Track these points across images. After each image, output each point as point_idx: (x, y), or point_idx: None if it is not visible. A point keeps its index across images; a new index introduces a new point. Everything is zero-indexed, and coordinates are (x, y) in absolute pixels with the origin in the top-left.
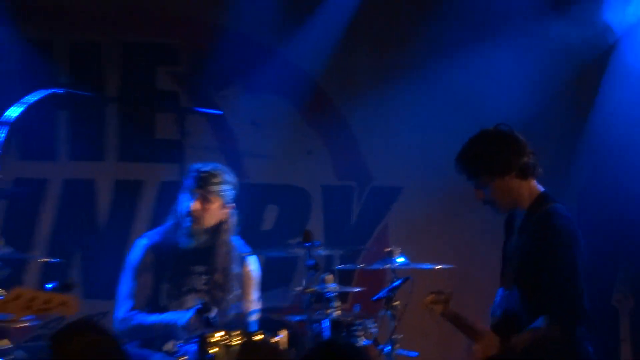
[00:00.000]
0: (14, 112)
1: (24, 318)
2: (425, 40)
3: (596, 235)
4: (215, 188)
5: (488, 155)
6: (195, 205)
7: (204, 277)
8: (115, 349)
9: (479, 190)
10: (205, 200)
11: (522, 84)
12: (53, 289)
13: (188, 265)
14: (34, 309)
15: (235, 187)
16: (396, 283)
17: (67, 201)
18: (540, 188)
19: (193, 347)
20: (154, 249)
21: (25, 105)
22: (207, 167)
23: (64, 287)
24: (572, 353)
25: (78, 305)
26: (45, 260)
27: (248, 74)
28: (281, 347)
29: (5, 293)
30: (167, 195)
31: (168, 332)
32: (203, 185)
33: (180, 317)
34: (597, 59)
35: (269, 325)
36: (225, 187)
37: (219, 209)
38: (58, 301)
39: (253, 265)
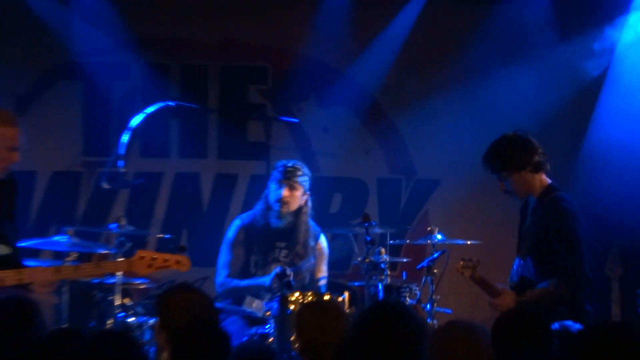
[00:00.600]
0: (136, 120)
1: (148, 274)
2: (461, 62)
3: (594, 218)
4: (299, 179)
5: (507, 155)
6: (284, 192)
7: (285, 250)
8: (206, 303)
9: (501, 182)
10: (291, 188)
11: (536, 96)
12: (169, 250)
13: (273, 241)
14: (155, 266)
15: (311, 178)
16: (435, 255)
17: (178, 190)
18: (548, 180)
19: (275, 305)
20: (246, 228)
21: (145, 115)
22: (291, 163)
23: (178, 249)
24: (575, 311)
25: (190, 263)
26: (159, 236)
27: (320, 90)
28: (345, 306)
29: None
30: (256, 185)
31: (256, 292)
32: (290, 176)
33: (265, 279)
34: (595, 76)
35: (334, 288)
36: (305, 178)
37: (300, 196)
38: (174, 260)
39: (323, 241)
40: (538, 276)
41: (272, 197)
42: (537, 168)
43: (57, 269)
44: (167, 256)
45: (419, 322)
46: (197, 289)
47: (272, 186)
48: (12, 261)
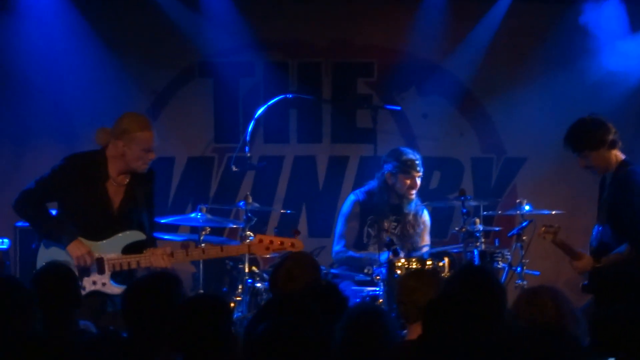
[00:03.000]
0: (259, 111)
1: (265, 256)
2: (543, 54)
3: None
4: (420, 169)
5: (586, 136)
6: (417, 183)
7: (394, 223)
8: (313, 264)
9: (581, 160)
10: (418, 178)
11: (610, 83)
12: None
13: (385, 214)
14: (272, 249)
15: None
16: (523, 224)
17: (296, 171)
18: (623, 156)
19: (384, 270)
20: (360, 203)
21: (267, 106)
22: (415, 155)
23: (293, 233)
24: None
25: (302, 245)
26: (281, 211)
27: (419, 82)
28: (445, 270)
29: (253, 235)
30: (365, 165)
31: (369, 263)
32: (416, 167)
33: (380, 255)
34: None
35: (436, 254)
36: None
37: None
38: (289, 243)
39: (426, 214)
40: (615, 241)
41: (402, 186)
42: (612, 145)
43: (172, 254)
44: (283, 239)
45: (499, 284)
46: (300, 254)
47: (401, 176)
48: (146, 246)
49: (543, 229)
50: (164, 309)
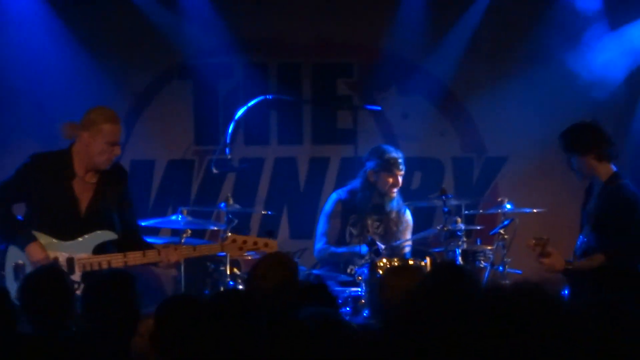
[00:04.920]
0: (239, 112)
1: (239, 256)
2: (525, 51)
3: None
4: (403, 167)
5: (575, 139)
6: (399, 181)
7: (377, 222)
8: (283, 264)
9: (569, 160)
10: (400, 176)
11: (591, 80)
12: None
13: (368, 213)
14: (245, 249)
15: None
16: (505, 222)
17: (277, 173)
18: (614, 168)
19: (366, 270)
20: (342, 202)
21: (247, 107)
22: (397, 154)
23: (267, 233)
24: (633, 277)
25: (276, 246)
26: (263, 212)
27: (399, 81)
28: (427, 269)
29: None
30: (346, 166)
31: (350, 259)
32: (398, 166)
33: (362, 247)
34: None
35: (417, 254)
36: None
37: None
38: (262, 243)
39: (408, 214)
40: (598, 251)
41: (384, 184)
42: (601, 157)
43: (143, 254)
44: (256, 239)
45: (473, 278)
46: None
47: (383, 174)
48: (117, 246)
49: (533, 241)
50: (119, 307)
